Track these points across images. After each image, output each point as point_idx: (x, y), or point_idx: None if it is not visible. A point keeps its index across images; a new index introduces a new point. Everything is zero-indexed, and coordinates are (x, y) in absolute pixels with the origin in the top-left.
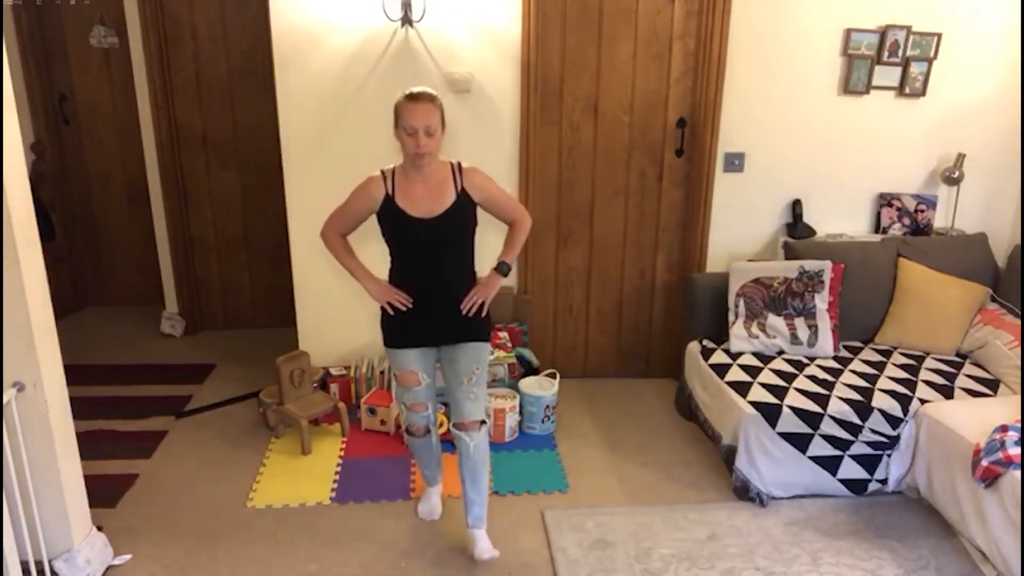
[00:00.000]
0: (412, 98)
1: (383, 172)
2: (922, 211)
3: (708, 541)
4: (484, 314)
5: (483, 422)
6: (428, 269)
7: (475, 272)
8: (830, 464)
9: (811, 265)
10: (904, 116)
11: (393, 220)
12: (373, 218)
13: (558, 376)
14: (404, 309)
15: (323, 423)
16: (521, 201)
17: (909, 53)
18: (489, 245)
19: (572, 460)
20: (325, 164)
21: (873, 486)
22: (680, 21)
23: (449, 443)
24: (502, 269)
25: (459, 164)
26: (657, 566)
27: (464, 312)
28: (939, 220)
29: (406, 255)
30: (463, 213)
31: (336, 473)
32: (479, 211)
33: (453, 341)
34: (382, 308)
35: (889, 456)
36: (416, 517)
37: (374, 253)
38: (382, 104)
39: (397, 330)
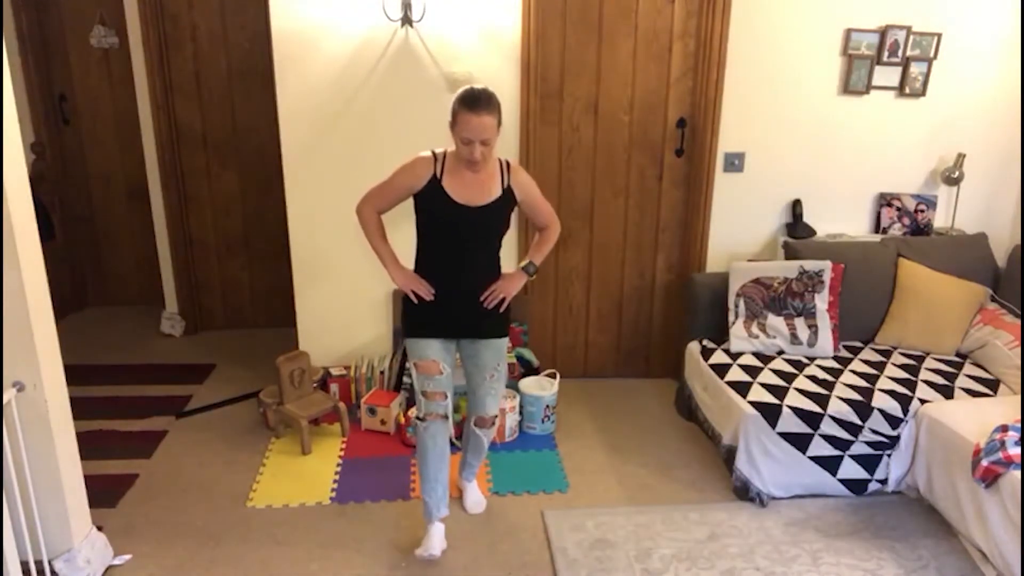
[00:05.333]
0: (470, 106)
1: (434, 154)
2: (922, 211)
3: (708, 541)
4: (504, 309)
5: (496, 416)
6: (456, 259)
7: (500, 271)
8: (830, 464)
9: (811, 265)
10: (904, 116)
11: (436, 202)
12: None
13: (558, 376)
14: (427, 299)
15: (323, 423)
16: None
17: (909, 53)
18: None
19: (572, 460)
20: (325, 164)
21: (873, 486)
22: (680, 21)
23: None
24: (528, 269)
25: (507, 162)
26: (657, 566)
27: (484, 303)
28: (939, 220)
29: (437, 241)
30: (503, 209)
31: (336, 473)
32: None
33: (475, 336)
34: (404, 297)
35: (889, 456)
36: (416, 517)
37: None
38: (382, 104)
39: (420, 319)
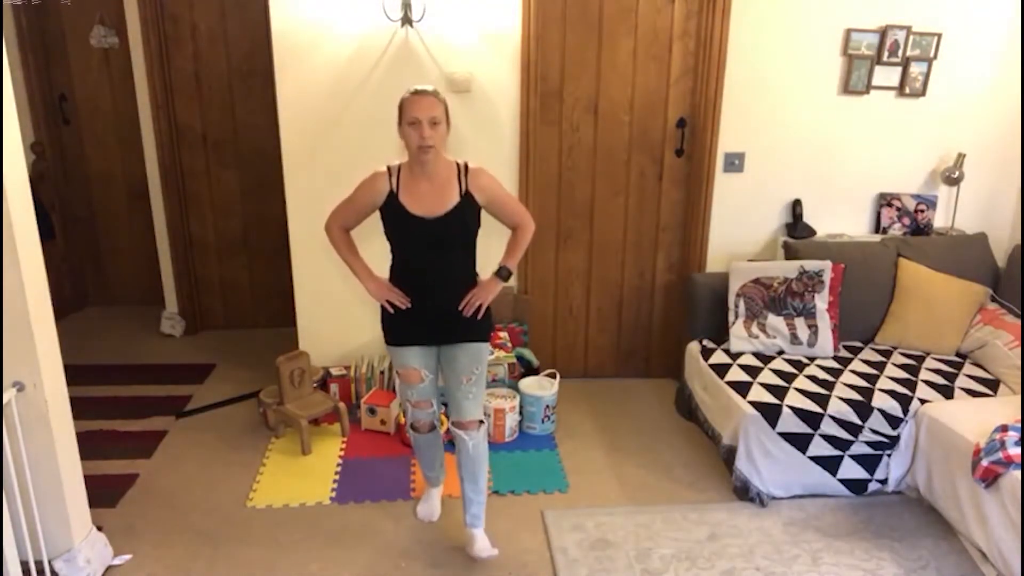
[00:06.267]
0: (415, 92)
1: (389, 168)
2: (922, 211)
3: (708, 541)
4: (482, 315)
5: (481, 421)
6: (428, 269)
7: (476, 275)
8: (830, 464)
9: (811, 265)
10: (904, 116)
11: (395, 217)
12: (376, 214)
13: (558, 376)
14: (403, 308)
15: (323, 423)
16: (521, 201)
17: (909, 53)
18: (492, 248)
19: (572, 460)
20: (325, 164)
21: (873, 486)
22: (680, 21)
23: (450, 443)
24: (502, 274)
25: (466, 165)
26: (657, 566)
27: (462, 312)
28: (939, 220)
29: (406, 253)
30: (465, 215)
31: (336, 473)
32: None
33: (452, 341)
34: (382, 306)
35: (889, 456)
36: (415, 518)
37: (376, 251)
38: (382, 104)
39: (398, 328)
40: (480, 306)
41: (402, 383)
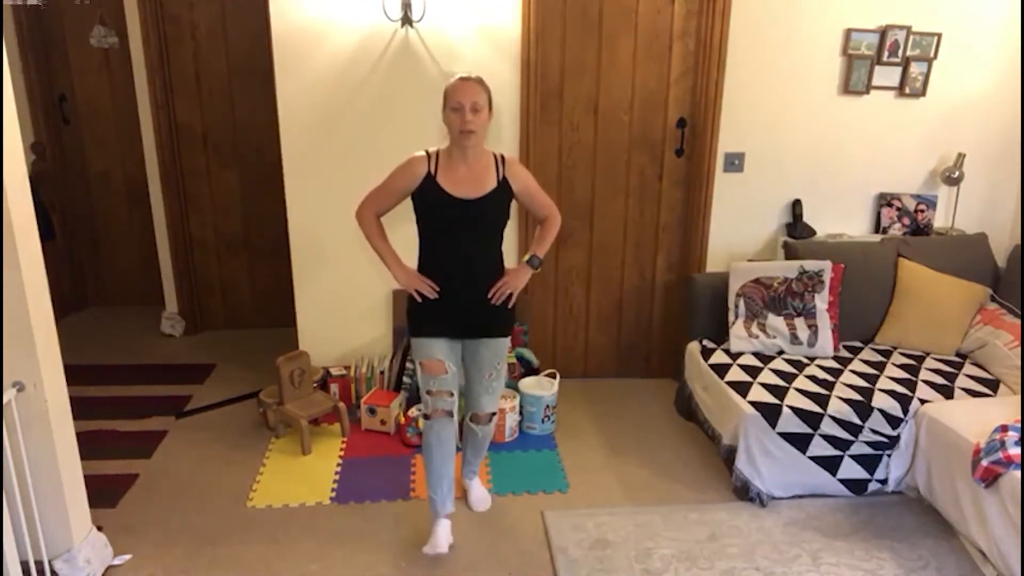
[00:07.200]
0: (460, 79)
1: (427, 152)
2: (922, 211)
3: (708, 541)
4: (511, 306)
5: (494, 413)
6: (458, 255)
7: (504, 267)
8: (830, 464)
9: (811, 265)
10: (904, 116)
11: (432, 198)
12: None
13: (558, 376)
14: (432, 297)
15: (323, 423)
16: None
17: (909, 53)
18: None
19: (572, 460)
20: (325, 164)
21: (873, 486)
22: (680, 21)
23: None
24: (533, 262)
25: (502, 155)
26: (657, 566)
27: (492, 300)
28: (939, 220)
29: (438, 238)
30: (501, 201)
31: (336, 473)
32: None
33: (478, 336)
34: (409, 297)
35: (889, 456)
36: (415, 517)
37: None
38: (382, 104)
39: (426, 319)
40: (510, 295)
41: (424, 374)
